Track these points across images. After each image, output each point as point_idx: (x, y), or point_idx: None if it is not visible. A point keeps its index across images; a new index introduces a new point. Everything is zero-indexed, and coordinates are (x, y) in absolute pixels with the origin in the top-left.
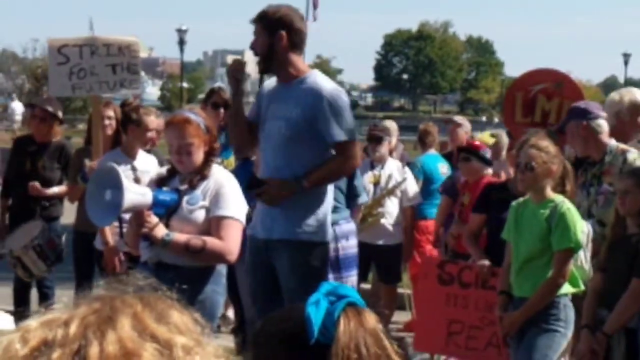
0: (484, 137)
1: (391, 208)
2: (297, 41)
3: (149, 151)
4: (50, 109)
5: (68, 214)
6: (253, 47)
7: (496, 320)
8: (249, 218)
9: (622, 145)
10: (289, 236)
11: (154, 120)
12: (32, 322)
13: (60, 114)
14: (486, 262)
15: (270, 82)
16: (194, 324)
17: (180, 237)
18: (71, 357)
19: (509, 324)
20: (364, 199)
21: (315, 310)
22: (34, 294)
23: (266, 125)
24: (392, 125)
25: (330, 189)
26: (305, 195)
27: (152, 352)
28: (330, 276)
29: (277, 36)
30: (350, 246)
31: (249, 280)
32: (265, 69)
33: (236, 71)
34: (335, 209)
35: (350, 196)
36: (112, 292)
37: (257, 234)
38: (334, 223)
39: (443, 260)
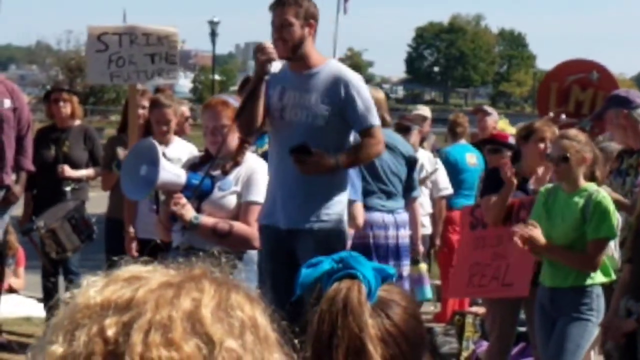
0: (503, 126)
1: (421, 198)
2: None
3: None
4: (65, 87)
5: (97, 203)
6: (286, 33)
7: (502, 254)
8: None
9: None
10: (315, 225)
11: (140, 101)
12: (121, 273)
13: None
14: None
15: (278, 67)
16: (266, 322)
17: (208, 220)
18: (120, 330)
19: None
20: (417, 193)
21: (312, 270)
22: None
23: (287, 113)
24: (425, 110)
25: (348, 181)
26: (328, 185)
27: (193, 348)
28: (391, 263)
29: (309, 25)
30: (406, 235)
31: (268, 266)
32: (292, 57)
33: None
34: (393, 197)
35: (407, 187)
36: (199, 267)
37: (278, 223)
38: (393, 211)
39: (474, 205)
